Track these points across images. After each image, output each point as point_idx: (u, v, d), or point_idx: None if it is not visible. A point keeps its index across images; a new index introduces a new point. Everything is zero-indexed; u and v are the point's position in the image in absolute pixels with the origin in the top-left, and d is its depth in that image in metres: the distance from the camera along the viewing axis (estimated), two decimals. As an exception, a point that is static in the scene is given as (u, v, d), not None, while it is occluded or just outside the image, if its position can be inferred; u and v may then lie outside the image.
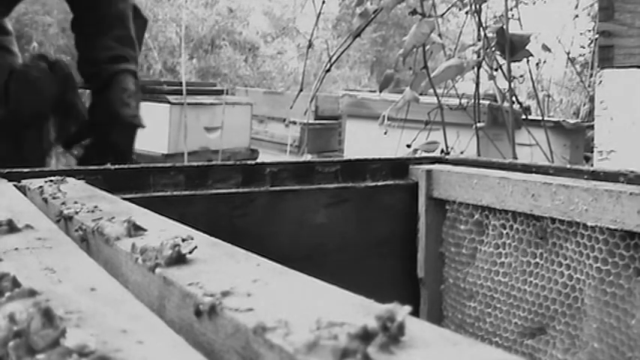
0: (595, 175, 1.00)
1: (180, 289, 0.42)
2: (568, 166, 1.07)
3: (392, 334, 0.32)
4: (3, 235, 0.54)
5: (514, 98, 2.57)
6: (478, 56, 2.44)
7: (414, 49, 2.19)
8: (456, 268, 1.15)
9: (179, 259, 0.46)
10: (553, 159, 2.65)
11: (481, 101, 2.69)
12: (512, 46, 2.20)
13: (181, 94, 4.04)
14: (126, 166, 1.01)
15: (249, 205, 1.06)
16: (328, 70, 2.44)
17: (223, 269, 0.45)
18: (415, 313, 0.47)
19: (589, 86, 4.62)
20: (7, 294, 0.37)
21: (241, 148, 4.47)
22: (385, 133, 2.50)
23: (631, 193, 0.85)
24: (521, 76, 3.31)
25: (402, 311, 0.33)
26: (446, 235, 1.17)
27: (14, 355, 0.30)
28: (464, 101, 2.70)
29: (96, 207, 0.68)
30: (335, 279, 0.43)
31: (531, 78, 3.11)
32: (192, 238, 0.51)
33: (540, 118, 3.08)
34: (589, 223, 0.90)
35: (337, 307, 0.37)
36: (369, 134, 3.43)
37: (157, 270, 0.46)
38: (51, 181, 0.88)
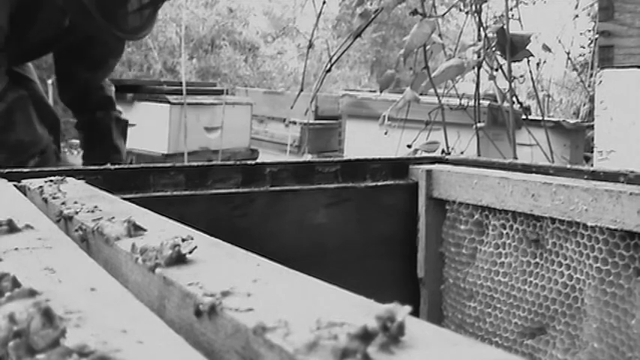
0: (595, 175, 1.00)
1: (180, 289, 0.42)
2: (568, 166, 1.07)
3: (392, 334, 0.32)
4: (3, 235, 0.54)
5: (514, 98, 2.56)
6: (478, 56, 2.44)
7: (415, 49, 2.19)
8: (456, 268, 1.15)
9: (179, 259, 0.46)
10: (553, 159, 2.65)
11: (481, 101, 2.69)
12: (513, 46, 2.20)
13: (181, 94, 4.04)
14: (126, 166, 1.01)
15: (249, 205, 1.06)
16: (329, 71, 2.44)
17: (223, 269, 0.45)
18: (415, 313, 0.47)
19: (589, 86, 4.62)
20: (7, 294, 0.37)
21: (241, 148, 4.47)
22: (385, 133, 2.50)
23: (631, 193, 0.85)
24: (521, 76, 3.31)
25: (402, 311, 0.33)
26: (446, 235, 1.17)
27: (14, 355, 0.30)
28: (464, 101, 2.70)
29: (96, 207, 0.68)
30: (335, 279, 0.43)
31: (531, 78, 3.11)
32: (192, 238, 0.51)
33: (540, 118, 3.09)
34: (589, 223, 0.90)
35: (337, 307, 0.37)
36: (369, 134, 3.43)
37: (157, 270, 0.46)
38: (51, 181, 0.88)
